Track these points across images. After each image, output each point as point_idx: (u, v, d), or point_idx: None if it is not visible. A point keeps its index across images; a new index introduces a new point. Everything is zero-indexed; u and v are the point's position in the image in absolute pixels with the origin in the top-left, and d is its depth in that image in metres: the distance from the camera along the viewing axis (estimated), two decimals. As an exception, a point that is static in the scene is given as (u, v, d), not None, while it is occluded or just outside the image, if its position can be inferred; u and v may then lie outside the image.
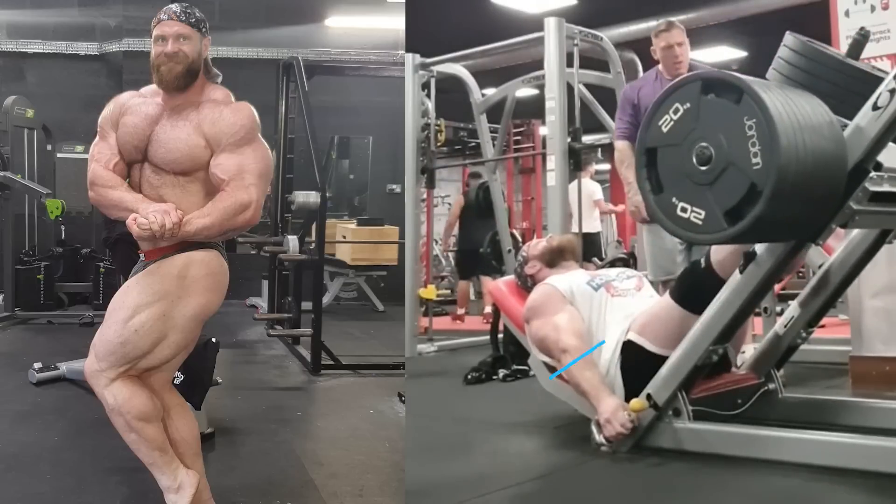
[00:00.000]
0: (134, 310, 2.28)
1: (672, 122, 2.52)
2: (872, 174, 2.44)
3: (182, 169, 2.31)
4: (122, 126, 2.38)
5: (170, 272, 2.30)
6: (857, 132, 2.46)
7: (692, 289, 2.87)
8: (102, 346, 2.31)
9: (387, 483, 3.02)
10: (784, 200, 2.33)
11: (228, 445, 3.47)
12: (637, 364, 2.91)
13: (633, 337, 2.94)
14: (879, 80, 2.49)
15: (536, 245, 3.50)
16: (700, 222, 2.46)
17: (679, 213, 2.50)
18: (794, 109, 2.36)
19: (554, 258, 3.42)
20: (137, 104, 2.41)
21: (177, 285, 2.29)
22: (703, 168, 2.44)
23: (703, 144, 2.43)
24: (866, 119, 2.46)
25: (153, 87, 2.42)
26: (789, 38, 2.73)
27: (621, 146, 4.10)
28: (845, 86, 2.59)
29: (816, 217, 2.48)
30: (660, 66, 4.06)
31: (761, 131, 2.31)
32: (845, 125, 2.49)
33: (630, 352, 2.94)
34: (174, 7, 2.39)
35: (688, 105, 2.49)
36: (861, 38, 2.74)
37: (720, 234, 2.44)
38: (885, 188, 2.48)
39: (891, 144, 2.54)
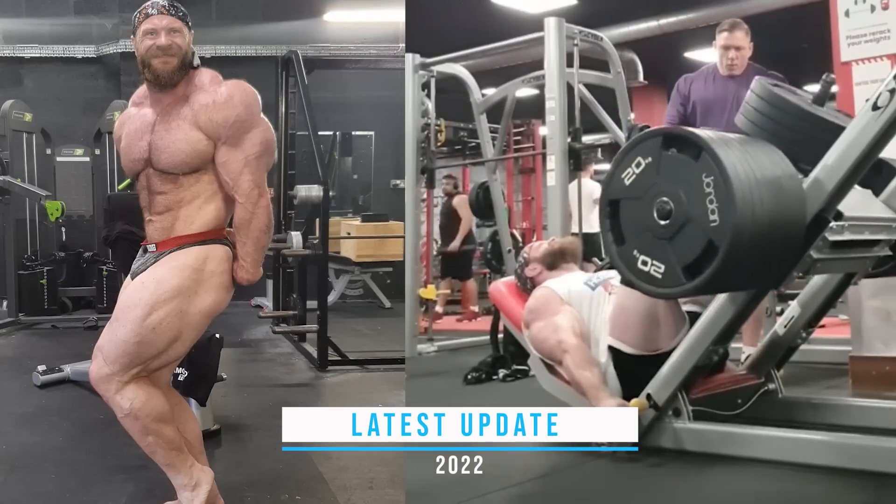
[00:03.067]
0: (152, 306, 2.22)
1: (634, 176, 2.54)
2: (833, 224, 2.46)
3: (191, 168, 2.29)
4: (124, 139, 2.39)
5: (186, 264, 2.26)
6: (817, 183, 2.48)
7: None
8: (114, 347, 2.23)
9: (397, 475, 3.00)
10: (741, 256, 2.35)
11: (236, 441, 3.48)
12: (623, 366, 2.93)
13: (611, 341, 2.96)
14: (842, 128, 2.51)
15: (538, 248, 3.50)
16: (660, 276, 2.48)
17: (640, 266, 2.52)
18: (752, 165, 2.38)
19: (555, 260, 3.42)
20: (132, 116, 2.40)
21: (193, 279, 2.25)
22: (664, 223, 2.45)
23: (664, 199, 2.45)
24: (825, 171, 2.48)
25: (143, 89, 2.39)
26: (757, 85, 2.76)
27: None
28: (808, 133, 2.61)
29: (776, 267, 2.50)
30: (717, 63, 4.01)
31: (718, 189, 2.33)
32: (809, 171, 2.51)
33: (614, 355, 2.95)
34: (160, 0, 2.34)
35: (650, 159, 2.51)
36: (826, 85, 2.75)
37: (678, 288, 2.46)
38: (846, 237, 2.50)
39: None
